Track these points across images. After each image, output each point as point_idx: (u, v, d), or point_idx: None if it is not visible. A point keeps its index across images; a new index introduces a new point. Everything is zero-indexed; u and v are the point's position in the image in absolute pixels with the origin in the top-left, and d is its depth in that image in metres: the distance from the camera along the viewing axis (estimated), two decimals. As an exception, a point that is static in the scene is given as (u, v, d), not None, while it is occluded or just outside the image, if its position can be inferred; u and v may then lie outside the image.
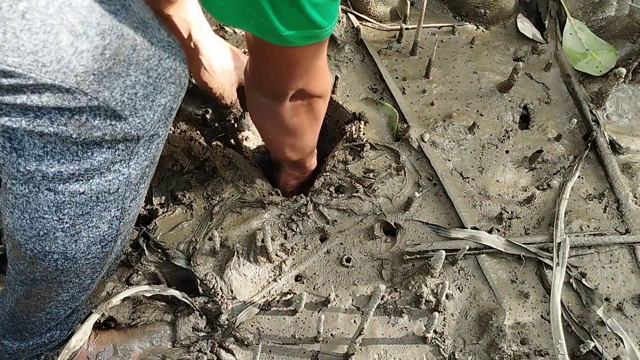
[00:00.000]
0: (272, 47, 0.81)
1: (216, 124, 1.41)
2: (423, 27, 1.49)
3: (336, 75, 1.38)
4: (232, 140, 1.41)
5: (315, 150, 1.30)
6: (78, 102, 0.64)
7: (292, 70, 0.91)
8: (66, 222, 0.74)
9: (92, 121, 0.66)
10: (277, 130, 1.08)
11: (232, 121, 1.38)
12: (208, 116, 1.40)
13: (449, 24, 1.57)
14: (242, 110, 1.37)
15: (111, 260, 0.87)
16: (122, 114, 0.67)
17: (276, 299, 1.11)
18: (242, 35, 1.48)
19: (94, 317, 0.99)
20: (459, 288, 1.14)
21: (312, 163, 1.30)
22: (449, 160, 1.30)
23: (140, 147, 0.72)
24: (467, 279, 1.15)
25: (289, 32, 0.75)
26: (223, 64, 1.25)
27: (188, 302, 1.08)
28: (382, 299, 1.11)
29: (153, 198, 1.30)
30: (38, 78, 0.60)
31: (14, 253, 0.79)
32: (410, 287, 1.12)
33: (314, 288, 1.14)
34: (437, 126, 1.33)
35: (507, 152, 1.33)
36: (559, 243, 1.17)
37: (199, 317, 1.08)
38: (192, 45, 1.17)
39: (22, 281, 0.83)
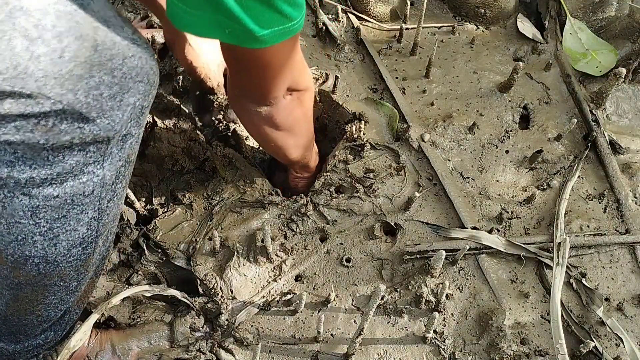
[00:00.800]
0: (250, 53, 0.82)
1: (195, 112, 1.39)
2: (423, 27, 1.49)
3: (336, 75, 1.38)
4: (232, 140, 1.41)
5: (315, 147, 1.29)
6: (42, 107, 0.62)
7: (275, 71, 0.91)
8: (43, 226, 0.73)
9: (59, 125, 0.64)
10: (277, 134, 1.08)
11: (217, 109, 1.35)
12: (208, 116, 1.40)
13: (449, 24, 1.57)
14: (227, 99, 1.34)
15: (96, 261, 0.86)
16: (89, 116, 0.65)
17: (276, 299, 1.11)
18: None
19: (94, 317, 0.99)
20: (459, 288, 1.14)
21: (315, 160, 1.30)
22: (449, 160, 1.30)
23: (113, 148, 0.71)
24: (467, 279, 1.15)
25: (263, 31, 0.75)
26: (209, 42, 1.21)
27: (188, 302, 1.08)
28: (382, 299, 1.11)
29: (153, 198, 1.30)
30: None
31: None
32: (410, 287, 1.12)
33: (314, 288, 1.14)
34: (437, 126, 1.33)
35: (507, 152, 1.33)
36: (559, 243, 1.17)
37: (196, 317, 1.08)
38: None
39: (8, 285, 0.82)
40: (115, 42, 0.66)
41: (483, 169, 1.30)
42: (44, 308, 0.88)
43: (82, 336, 0.98)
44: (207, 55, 1.22)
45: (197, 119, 1.39)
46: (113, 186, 0.76)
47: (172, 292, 1.08)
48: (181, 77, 1.39)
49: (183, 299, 1.08)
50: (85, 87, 0.64)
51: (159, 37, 1.29)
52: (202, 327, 1.09)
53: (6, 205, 0.69)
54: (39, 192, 0.69)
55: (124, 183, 0.79)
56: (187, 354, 1.04)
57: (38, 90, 0.61)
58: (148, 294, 1.08)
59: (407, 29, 1.52)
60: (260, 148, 1.45)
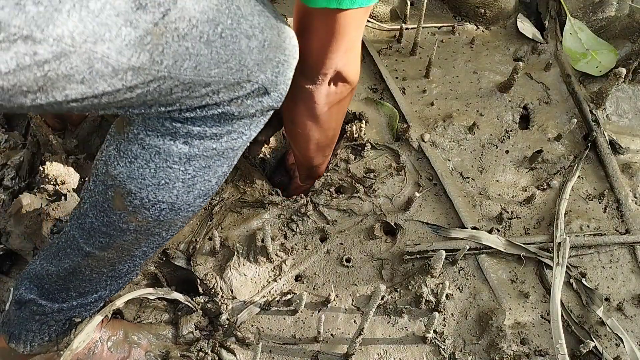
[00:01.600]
0: (329, 17, 0.88)
1: None
2: (423, 27, 1.49)
3: (336, 75, 1.38)
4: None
5: (326, 163, 1.29)
6: (244, 90, 0.76)
7: (339, 41, 0.94)
8: (189, 174, 0.80)
9: (245, 101, 0.77)
10: (308, 121, 1.08)
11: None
12: None
13: (449, 24, 1.57)
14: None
15: (191, 219, 0.94)
16: (269, 90, 0.78)
17: (276, 299, 1.11)
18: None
19: (98, 319, 0.99)
20: (459, 288, 1.14)
21: (322, 173, 1.30)
22: (449, 160, 1.30)
23: (263, 116, 0.83)
24: (467, 279, 1.15)
25: None
26: None
27: (191, 305, 1.08)
28: (382, 299, 1.11)
29: (153, 198, 1.30)
30: (226, 80, 0.72)
31: (112, 203, 0.82)
32: (410, 287, 1.12)
33: (314, 288, 1.14)
34: (437, 126, 1.33)
35: (507, 152, 1.33)
36: (559, 243, 1.17)
37: (202, 317, 1.09)
38: None
39: (106, 232, 0.86)
40: (284, 27, 0.80)
41: (483, 169, 1.30)
42: (124, 261, 0.93)
43: (85, 337, 0.98)
44: None
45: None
46: (244, 147, 0.86)
47: (176, 295, 1.08)
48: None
49: (186, 303, 1.08)
50: (271, 67, 0.77)
51: None
52: (207, 327, 1.09)
53: (162, 151, 0.77)
54: (200, 143, 0.79)
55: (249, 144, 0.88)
56: (191, 353, 1.04)
57: (247, 78, 0.75)
58: (152, 297, 1.08)
59: (407, 29, 1.52)
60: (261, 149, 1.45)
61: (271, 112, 0.85)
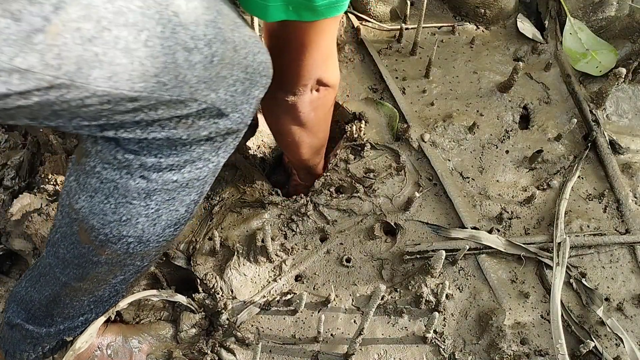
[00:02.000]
0: (299, 30, 0.84)
1: None
2: (423, 27, 1.49)
3: (336, 75, 1.38)
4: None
5: (323, 160, 1.29)
6: (189, 110, 0.68)
7: (314, 52, 0.92)
8: (152, 208, 0.76)
9: (197, 122, 0.69)
10: (296, 129, 1.08)
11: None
12: None
13: (449, 24, 1.57)
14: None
15: (171, 244, 0.88)
16: (225, 111, 0.71)
17: (276, 299, 1.11)
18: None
19: (101, 320, 0.99)
20: (459, 288, 1.14)
21: (321, 168, 1.30)
22: (449, 160, 1.30)
23: (230, 138, 0.77)
24: (467, 279, 1.15)
25: (322, 1, 0.78)
26: None
27: (193, 308, 1.08)
28: (382, 299, 1.11)
29: (153, 198, 1.30)
30: (159, 97, 0.64)
31: (79, 237, 0.79)
32: (410, 287, 1.12)
33: (314, 288, 1.14)
34: (437, 126, 1.33)
35: (507, 152, 1.33)
36: (559, 243, 1.17)
37: (204, 319, 1.09)
38: None
39: (79, 264, 0.83)
40: (246, 41, 0.71)
41: (483, 169, 1.30)
42: (104, 288, 0.89)
43: (87, 338, 0.97)
44: None
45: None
46: (215, 172, 0.80)
47: (179, 298, 1.08)
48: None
49: (188, 305, 1.08)
50: (225, 86, 0.69)
51: None
52: (207, 328, 1.09)
53: (119, 186, 0.72)
54: (159, 176, 0.72)
55: (219, 170, 0.83)
56: (192, 352, 1.04)
57: (190, 96, 0.66)
58: (155, 299, 1.08)
59: (407, 29, 1.52)
60: (261, 149, 1.45)
61: (240, 134, 0.78)
